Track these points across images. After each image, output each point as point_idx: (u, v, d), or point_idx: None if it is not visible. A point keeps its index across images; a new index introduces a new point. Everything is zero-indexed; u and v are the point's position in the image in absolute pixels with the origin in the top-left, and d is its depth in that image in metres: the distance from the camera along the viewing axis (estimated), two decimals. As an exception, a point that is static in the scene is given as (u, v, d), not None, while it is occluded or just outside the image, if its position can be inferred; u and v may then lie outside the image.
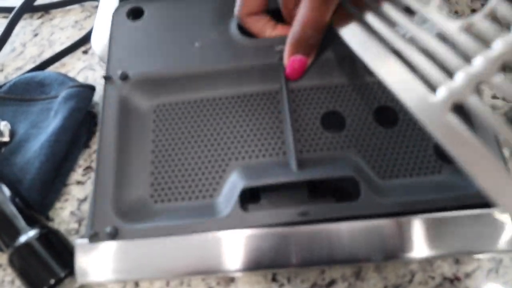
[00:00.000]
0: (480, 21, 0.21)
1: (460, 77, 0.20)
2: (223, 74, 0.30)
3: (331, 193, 0.27)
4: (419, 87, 0.22)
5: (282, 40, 0.30)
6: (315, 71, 0.30)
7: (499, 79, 0.19)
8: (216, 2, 0.34)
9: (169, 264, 0.24)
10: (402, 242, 0.24)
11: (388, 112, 0.29)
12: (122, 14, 0.34)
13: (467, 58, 0.20)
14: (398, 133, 0.28)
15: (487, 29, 0.20)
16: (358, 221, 0.24)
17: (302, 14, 0.27)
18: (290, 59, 0.29)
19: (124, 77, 0.30)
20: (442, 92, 0.21)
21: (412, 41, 0.23)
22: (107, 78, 0.31)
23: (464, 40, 0.21)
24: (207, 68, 0.30)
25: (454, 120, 0.20)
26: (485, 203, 0.22)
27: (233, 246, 0.24)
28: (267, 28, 0.31)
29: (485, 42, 0.20)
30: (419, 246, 0.24)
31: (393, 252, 0.24)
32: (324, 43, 0.29)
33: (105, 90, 0.30)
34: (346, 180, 0.25)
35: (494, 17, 0.20)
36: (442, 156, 0.27)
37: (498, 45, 0.20)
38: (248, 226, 0.24)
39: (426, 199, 0.25)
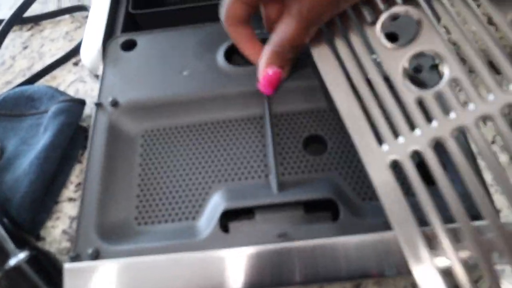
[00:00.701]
0: (429, 98, 0.24)
1: (401, 141, 0.23)
2: (209, 100, 0.31)
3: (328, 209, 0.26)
4: (370, 137, 0.24)
5: None
6: (297, 96, 0.31)
7: (430, 154, 0.23)
8: (204, 34, 0.35)
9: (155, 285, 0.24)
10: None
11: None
12: (115, 46, 0.35)
13: (412, 126, 0.24)
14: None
15: (433, 107, 0.24)
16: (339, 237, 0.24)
17: (283, 29, 0.26)
18: (264, 70, 0.28)
19: (114, 104, 0.32)
20: (385, 148, 0.24)
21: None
22: (98, 105, 0.32)
23: (414, 110, 0.24)
24: (194, 95, 0.32)
25: (388, 177, 0.23)
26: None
27: (216, 266, 0.24)
28: (246, 42, 0.30)
29: (428, 118, 0.24)
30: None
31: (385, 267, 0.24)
32: (305, 68, 0.30)
33: (95, 116, 0.31)
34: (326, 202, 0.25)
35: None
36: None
37: (435, 125, 0.23)
38: (227, 247, 0.24)
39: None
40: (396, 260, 0.23)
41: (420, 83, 0.27)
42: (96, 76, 0.34)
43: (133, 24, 0.40)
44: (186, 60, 0.34)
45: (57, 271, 0.28)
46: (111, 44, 0.36)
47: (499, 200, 0.29)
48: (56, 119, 0.34)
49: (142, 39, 0.36)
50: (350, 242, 0.24)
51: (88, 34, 0.37)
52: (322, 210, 0.26)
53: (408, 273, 0.22)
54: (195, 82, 0.32)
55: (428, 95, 0.24)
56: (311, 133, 0.29)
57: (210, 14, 0.38)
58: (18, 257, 0.27)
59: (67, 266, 0.25)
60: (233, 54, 0.34)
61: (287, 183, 0.27)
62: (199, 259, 0.24)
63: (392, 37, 0.29)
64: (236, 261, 0.24)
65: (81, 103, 0.36)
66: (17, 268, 0.27)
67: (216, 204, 0.26)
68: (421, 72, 0.29)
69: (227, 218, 0.26)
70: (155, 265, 0.24)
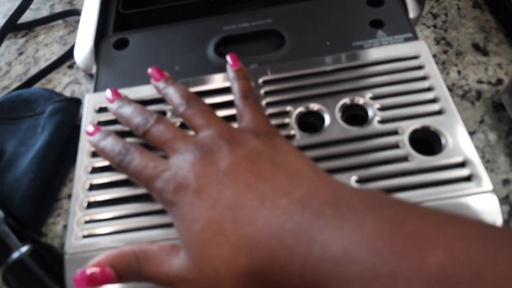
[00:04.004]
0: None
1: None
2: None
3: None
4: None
5: (255, 59, 0.33)
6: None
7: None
8: (194, 29, 0.36)
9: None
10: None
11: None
12: (108, 45, 0.36)
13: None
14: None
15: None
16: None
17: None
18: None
19: None
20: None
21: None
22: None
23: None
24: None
25: None
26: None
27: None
28: None
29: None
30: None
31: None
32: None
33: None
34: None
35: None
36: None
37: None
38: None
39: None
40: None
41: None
42: (91, 76, 0.35)
43: (124, 23, 0.40)
44: (177, 56, 0.34)
45: (59, 264, 0.29)
46: (103, 43, 0.36)
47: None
48: (53, 118, 0.35)
49: (134, 38, 0.36)
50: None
51: (81, 35, 0.37)
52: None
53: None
54: (187, 76, 0.32)
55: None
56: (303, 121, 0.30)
57: (198, 10, 0.40)
58: (21, 251, 0.28)
59: (68, 257, 0.25)
60: (223, 48, 0.35)
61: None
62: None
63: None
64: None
65: (77, 102, 0.37)
66: (20, 261, 0.28)
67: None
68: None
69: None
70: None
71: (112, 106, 0.29)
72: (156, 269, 0.21)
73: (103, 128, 0.29)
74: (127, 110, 0.28)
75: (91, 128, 0.28)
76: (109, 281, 0.21)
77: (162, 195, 0.23)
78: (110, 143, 0.27)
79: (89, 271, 0.20)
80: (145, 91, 0.32)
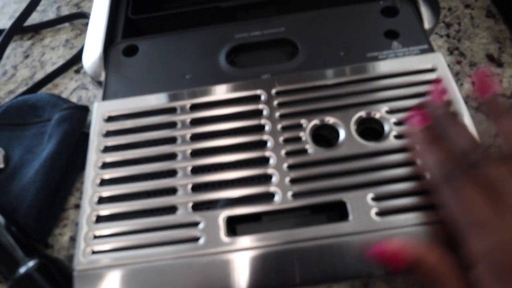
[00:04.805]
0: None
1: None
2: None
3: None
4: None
5: (268, 69, 0.32)
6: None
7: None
8: (204, 37, 0.35)
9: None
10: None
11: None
12: (117, 52, 0.35)
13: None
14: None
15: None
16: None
17: None
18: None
19: None
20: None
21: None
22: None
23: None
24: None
25: None
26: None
27: (224, 268, 0.24)
28: None
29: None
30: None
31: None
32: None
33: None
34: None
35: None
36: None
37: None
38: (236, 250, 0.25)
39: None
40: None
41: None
42: (98, 83, 0.34)
43: (133, 29, 0.40)
44: (188, 63, 0.33)
45: (66, 278, 0.28)
46: (112, 50, 0.36)
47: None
48: (60, 126, 0.34)
49: (144, 44, 0.36)
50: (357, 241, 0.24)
51: (89, 41, 0.37)
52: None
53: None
54: (198, 85, 0.32)
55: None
56: (317, 133, 0.29)
57: (209, 17, 0.39)
58: (28, 265, 0.28)
59: (77, 273, 0.25)
60: (234, 56, 0.34)
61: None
62: (207, 262, 0.24)
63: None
64: (242, 263, 0.24)
65: (84, 109, 0.36)
66: (27, 276, 0.27)
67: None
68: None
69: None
70: (164, 269, 0.25)
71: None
72: None
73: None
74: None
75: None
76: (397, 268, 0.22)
77: None
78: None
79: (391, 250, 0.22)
80: (155, 100, 0.31)
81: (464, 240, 0.21)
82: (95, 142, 0.30)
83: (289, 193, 0.26)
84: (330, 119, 0.29)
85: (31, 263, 0.28)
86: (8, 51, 0.47)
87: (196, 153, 0.29)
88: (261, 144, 0.28)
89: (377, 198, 0.25)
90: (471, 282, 0.20)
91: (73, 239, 0.33)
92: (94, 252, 0.25)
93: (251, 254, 0.25)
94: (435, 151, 0.24)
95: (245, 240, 0.25)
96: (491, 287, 0.19)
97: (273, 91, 0.31)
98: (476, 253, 0.20)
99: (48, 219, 0.33)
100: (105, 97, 0.33)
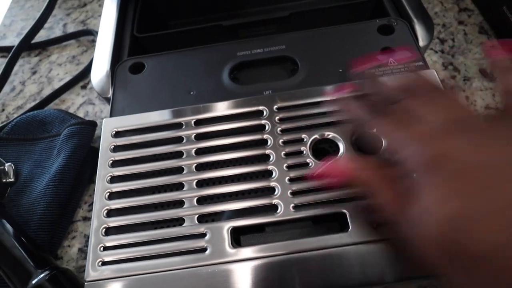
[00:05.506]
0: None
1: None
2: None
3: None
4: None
5: (270, 85, 0.33)
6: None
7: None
8: (208, 55, 0.36)
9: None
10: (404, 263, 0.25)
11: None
12: (124, 69, 0.37)
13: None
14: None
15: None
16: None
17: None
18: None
19: None
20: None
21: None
22: None
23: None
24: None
25: None
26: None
27: (229, 278, 0.25)
28: None
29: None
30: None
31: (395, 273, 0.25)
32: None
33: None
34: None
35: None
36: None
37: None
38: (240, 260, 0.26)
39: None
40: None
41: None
42: (106, 99, 0.36)
43: (139, 47, 0.41)
44: (193, 80, 0.35)
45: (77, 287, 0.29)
46: (119, 67, 0.37)
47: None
48: (69, 142, 0.36)
49: (150, 62, 0.37)
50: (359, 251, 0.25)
51: (97, 59, 0.38)
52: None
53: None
54: (203, 102, 0.33)
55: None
56: (317, 147, 0.30)
57: (212, 34, 0.40)
58: (39, 277, 0.28)
59: (88, 285, 0.25)
60: (237, 73, 0.36)
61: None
62: (213, 272, 0.25)
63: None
64: (246, 273, 0.25)
65: (93, 125, 0.38)
66: (39, 286, 0.28)
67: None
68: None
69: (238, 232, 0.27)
70: (172, 279, 0.25)
71: None
72: None
73: None
74: None
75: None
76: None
77: None
78: None
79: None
80: (161, 116, 0.32)
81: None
82: (104, 156, 0.31)
83: (291, 205, 0.27)
84: (330, 134, 0.30)
85: (42, 274, 0.29)
86: (16, 67, 0.49)
87: (201, 167, 0.30)
88: (264, 158, 0.30)
89: (375, 210, 0.26)
90: (405, 187, 0.21)
91: (81, 251, 0.34)
92: (104, 263, 0.26)
93: (254, 264, 0.26)
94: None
95: (249, 251, 0.26)
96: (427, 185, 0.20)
97: (275, 107, 0.32)
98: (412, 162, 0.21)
99: (57, 231, 0.34)
100: (112, 113, 0.34)
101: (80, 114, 0.43)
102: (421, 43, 0.36)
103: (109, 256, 0.27)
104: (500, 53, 0.25)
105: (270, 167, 0.29)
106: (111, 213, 0.29)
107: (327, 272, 0.25)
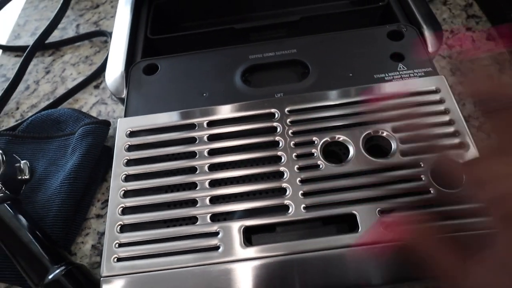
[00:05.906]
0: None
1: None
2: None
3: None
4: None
5: (281, 88, 0.34)
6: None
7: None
8: (221, 57, 0.37)
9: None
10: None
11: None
12: (138, 70, 0.37)
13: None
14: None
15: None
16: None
17: None
18: None
19: None
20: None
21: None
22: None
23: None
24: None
25: None
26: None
27: (240, 277, 0.26)
28: None
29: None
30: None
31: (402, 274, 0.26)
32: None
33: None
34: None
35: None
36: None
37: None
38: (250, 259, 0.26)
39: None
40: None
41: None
42: (120, 100, 0.37)
43: (152, 49, 0.42)
44: (205, 82, 0.35)
45: (90, 283, 0.30)
46: (133, 68, 0.38)
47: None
48: (84, 140, 0.36)
49: (163, 63, 0.38)
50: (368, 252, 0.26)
51: (111, 60, 0.39)
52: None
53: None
54: (215, 103, 0.34)
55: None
56: (327, 150, 0.31)
57: (224, 37, 0.41)
58: (56, 272, 0.29)
59: (104, 280, 0.26)
60: (248, 75, 0.36)
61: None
62: (226, 270, 0.26)
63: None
64: (257, 271, 0.26)
65: (106, 124, 0.38)
66: (56, 281, 0.29)
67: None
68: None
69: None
70: (185, 276, 0.26)
71: None
72: None
73: None
74: None
75: None
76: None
77: None
78: None
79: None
80: (175, 116, 0.33)
81: None
82: (119, 156, 0.32)
83: (302, 206, 0.28)
84: (340, 137, 0.31)
85: (58, 270, 0.29)
86: (30, 67, 0.50)
87: (214, 167, 0.31)
88: (275, 159, 0.30)
89: (383, 211, 0.27)
90: None
91: (94, 247, 0.35)
92: (119, 260, 0.27)
93: (265, 262, 0.26)
94: None
95: (260, 250, 0.27)
96: None
97: (286, 109, 0.32)
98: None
99: (72, 228, 0.34)
100: (127, 113, 0.35)
101: (93, 113, 0.44)
102: (430, 49, 0.37)
103: (124, 253, 0.27)
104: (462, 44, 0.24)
105: (281, 168, 0.30)
106: (125, 211, 0.29)
107: (336, 272, 0.26)
